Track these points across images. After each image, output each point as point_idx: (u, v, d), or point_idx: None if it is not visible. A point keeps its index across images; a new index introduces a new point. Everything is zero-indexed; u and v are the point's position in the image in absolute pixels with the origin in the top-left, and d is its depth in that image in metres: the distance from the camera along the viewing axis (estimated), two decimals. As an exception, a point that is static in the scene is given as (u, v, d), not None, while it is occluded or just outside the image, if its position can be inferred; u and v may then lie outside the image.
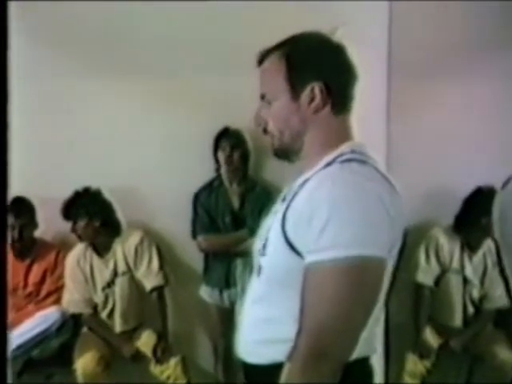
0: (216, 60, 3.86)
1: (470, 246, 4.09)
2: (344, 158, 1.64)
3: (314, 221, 1.51)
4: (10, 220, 3.96)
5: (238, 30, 3.80)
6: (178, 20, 3.99)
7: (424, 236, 4.16)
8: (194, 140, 4.12)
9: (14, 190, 3.74)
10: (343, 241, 1.48)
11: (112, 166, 4.17)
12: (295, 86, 1.68)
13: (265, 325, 1.73)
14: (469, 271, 4.08)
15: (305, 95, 1.68)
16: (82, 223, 3.95)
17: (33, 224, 4.12)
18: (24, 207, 4.05)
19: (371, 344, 1.72)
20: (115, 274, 4.06)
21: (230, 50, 3.75)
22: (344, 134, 1.72)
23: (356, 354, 1.58)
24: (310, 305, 1.53)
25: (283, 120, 1.72)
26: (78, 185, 4.00)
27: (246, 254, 3.65)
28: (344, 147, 1.68)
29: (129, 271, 4.08)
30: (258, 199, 3.98)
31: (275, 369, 1.60)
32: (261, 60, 1.76)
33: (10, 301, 4.01)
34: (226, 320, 3.97)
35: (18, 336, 3.85)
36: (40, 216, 4.15)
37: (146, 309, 4.17)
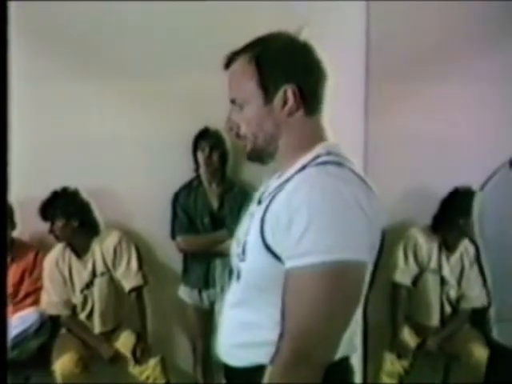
0: (195, 59, 3.85)
1: (447, 246, 4.12)
2: (320, 160, 1.63)
3: (293, 226, 1.50)
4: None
5: (216, 29, 3.80)
6: (155, 20, 3.99)
7: (402, 236, 4.19)
8: (173, 140, 4.11)
9: None
10: (323, 246, 1.48)
11: (90, 165, 4.16)
12: (268, 89, 1.67)
13: (244, 329, 1.73)
14: (446, 271, 4.12)
15: (278, 99, 1.66)
16: (59, 223, 3.93)
17: (11, 224, 4.07)
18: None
19: (352, 344, 1.73)
20: (94, 274, 4.05)
21: (209, 49, 3.74)
22: (318, 135, 1.72)
23: (338, 354, 1.60)
24: (292, 309, 1.53)
25: (256, 124, 1.70)
26: (56, 185, 3.99)
27: (226, 255, 3.67)
28: (319, 149, 1.67)
29: (107, 272, 4.06)
30: (237, 199, 3.97)
31: (255, 371, 1.62)
32: (228, 63, 1.74)
33: None
34: (205, 320, 3.99)
35: None
36: (18, 216, 4.11)
37: (125, 309, 4.16)
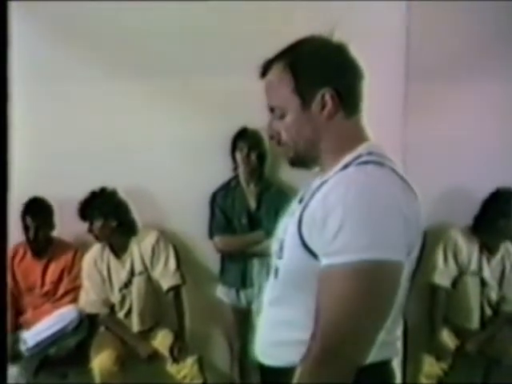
0: (234, 59, 3.84)
1: (488, 248, 4.07)
2: (361, 160, 1.62)
3: (329, 224, 1.50)
4: (28, 220, 4.01)
5: (254, 30, 3.77)
6: (192, 19, 3.98)
7: (442, 237, 4.14)
8: (212, 140, 4.11)
9: (32, 191, 3.84)
10: (357, 245, 1.47)
11: (128, 166, 4.17)
12: (304, 96, 1.66)
13: (281, 327, 1.72)
14: (487, 273, 4.06)
15: (316, 104, 1.66)
16: (98, 223, 3.96)
17: (49, 224, 4.15)
18: (40, 208, 4.08)
19: (393, 347, 1.72)
20: (132, 274, 4.07)
21: (248, 49, 3.73)
22: (359, 135, 1.71)
23: (378, 357, 1.59)
24: (325, 308, 1.52)
25: (296, 131, 1.70)
26: (94, 186, 4.02)
27: (263, 255, 3.66)
28: (361, 149, 1.66)
29: (145, 271, 4.08)
30: (274, 200, 3.95)
31: (291, 371, 1.59)
32: (264, 71, 1.74)
33: (27, 299, 4.12)
34: (242, 320, 3.98)
35: (34, 334, 3.88)
36: (58, 217, 4.17)
37: (163, 308, 4.17)
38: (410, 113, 3.32)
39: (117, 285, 4.08)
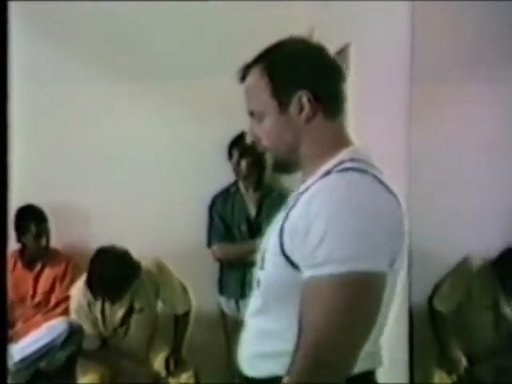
0: (236, 62, 3.79)
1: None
2: (342, 166, 1.60)
3: (311, 234, 1.49)
4: (21, 228, 3.94)
5: (254, 30, 3.69)
6: (191, 21, 3.98)
7: (455, 264, 4.02)
8: (213, 144, 4.08)
9: (24, 198, 3.77)
10: (340, 256, 1.46)
11: (126, 171, 4.15)
12: (282, 99, 1.66)
13: (264, 338, 1.72)
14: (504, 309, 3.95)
15: (293, 107, 1.65)
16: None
17: (43, 232, 4.07)
18: (34, 215, 4.02)
19: (376, 357, 1.71)
20: (131, 311, 3.81)
21: (251, 51, 3.74)
22: (341, 140, 1.70)
23: (361, 367, 1.57)
24: (308, 320, 1.51)
25: (276, 136, 1.70)
26: (90, 193, 4.00)
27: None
28: (343, 155, 1.64)
29: (147, 306, 3.86)
30: (275, 206, 3.78)
31: (273, 382, 1.59)
32: (243, 76, 1.74)
33: (18, 311, 3.99)
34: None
35: (22, 348, 3.72)
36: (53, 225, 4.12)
37: (161, 332, 4.03)
38: (414, 116, 3.25)
39: (111, 325, 3.83)
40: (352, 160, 1.61)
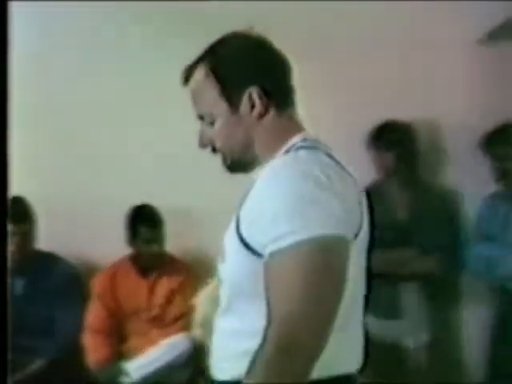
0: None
1: None
2: (294, 148, 1.63)
3: (265, 214, 1.50)
4: (144, 231, 3.74)
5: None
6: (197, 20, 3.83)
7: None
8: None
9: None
10: (295, 227, 1.45)
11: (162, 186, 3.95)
12: (231, 98, 1.67)
13: (228, 338, 1.69)
14: None
15: (244, 105, 1.66)
16: None
17: (160, 238, 3.80)
18: (153, 217, 3.80)
19: (355, 358, 1.68)
20: None
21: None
22: (293, 128, 1.70)
23: (336, 370, 1.59)
24: (274, 295, 1.49)
25: (228, 136, 1.70)
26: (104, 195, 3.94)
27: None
28: (295, 139, 1.66)
29: None
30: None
31: None
32: (187, 78, 1.73)
33: (132, 324, 3.79)
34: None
35: (141, 366, 3.48)
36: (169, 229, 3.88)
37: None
38: None
39: None
40: (303, 140, 1.64)
